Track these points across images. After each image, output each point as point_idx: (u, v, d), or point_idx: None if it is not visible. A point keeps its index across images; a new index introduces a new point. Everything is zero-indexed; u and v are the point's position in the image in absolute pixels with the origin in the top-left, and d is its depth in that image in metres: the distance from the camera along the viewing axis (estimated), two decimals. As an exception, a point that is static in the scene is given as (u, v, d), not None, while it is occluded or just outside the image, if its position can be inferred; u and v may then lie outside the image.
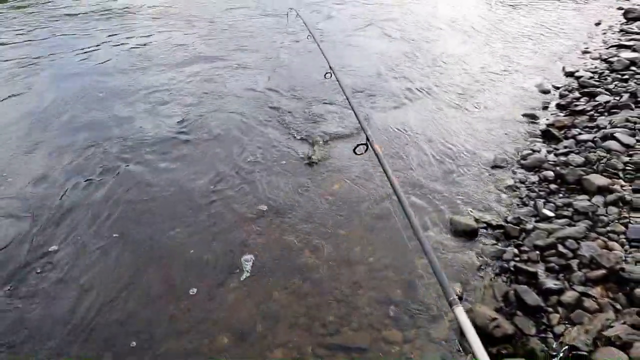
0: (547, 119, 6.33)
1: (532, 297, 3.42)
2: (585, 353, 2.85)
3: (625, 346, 2.82)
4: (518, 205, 4.74)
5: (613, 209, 4.26)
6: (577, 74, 7.47)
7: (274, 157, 5.64)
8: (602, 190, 4.51)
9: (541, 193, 4.84)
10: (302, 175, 5.27)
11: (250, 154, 5.69)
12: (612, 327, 2.95)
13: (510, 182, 5.08)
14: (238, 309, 3.69)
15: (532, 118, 6.39)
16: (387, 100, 7.03)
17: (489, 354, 3.15)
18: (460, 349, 3.30)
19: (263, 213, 4.68)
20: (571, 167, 5.01)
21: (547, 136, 5.93)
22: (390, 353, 3.31)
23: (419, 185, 5.06)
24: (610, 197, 4.37)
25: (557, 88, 7.22)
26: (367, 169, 5.31)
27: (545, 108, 6.70)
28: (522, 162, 5.44)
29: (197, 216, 4.66)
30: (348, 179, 5.21)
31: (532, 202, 4.72)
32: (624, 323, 2.96)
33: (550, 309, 3.38)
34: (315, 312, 3.66)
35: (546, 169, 5.16)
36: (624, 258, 3.65)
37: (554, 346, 2.96)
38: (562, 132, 5.92)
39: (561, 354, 2.86)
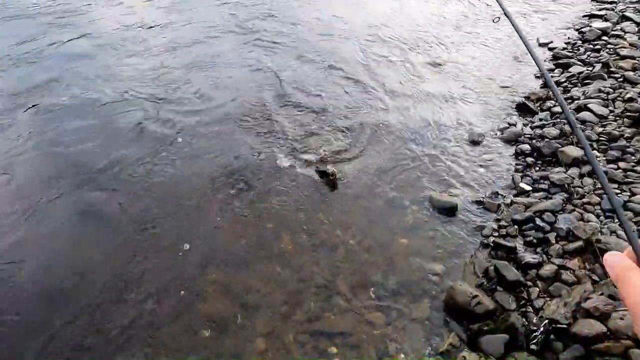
0: (522, 92, 6.31)
1: (511, 272, 3.43)
2: (564, 326, 2.87)
3: (602, 317, 2.85)
4: (496, 179, 4.74)
5: (588, 181, 4.29)
6: (551, 45, 7.45)
7: (239, 136, 5.46)
8: (577, 162, 4.54)
9: (518, 167, 4.84)
10: (279, 161, 5.13)
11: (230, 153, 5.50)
12: (590, 298, 2.97)
13: (488, 156, 5.06)
14: (217, 302, 3.59)
15: (508, 91, 6.35)
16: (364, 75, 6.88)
17: (469, 329, 3.21)
18: (443, 325, 3.32)
19: (236, 196, 4.55)
20: (547, 139, 5.01)
21: (523, 109, 5.91)
22: (373, 336, 3.29)
23: (399, 163, 4.99)
24: (585, 169, 4.40)
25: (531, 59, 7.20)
26: (340, 150, 5.21)
27: (520, 80, 6.67)
28: (499, 136, 5.42)
29: (165, 203, 4.48)
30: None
31: (509, 176, 4.72)
32: (601, 294, 2.99)
33: (529, 283, 3.40)
34: (296, 299, 3.59)
35: (523, 142, 5.16)
36: (599, 229, 3.68)
37: (534, 320, 2.98)
38: (538, 104, 5.91)
39: (541, 328, 2.88)
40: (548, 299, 3.22)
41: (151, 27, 8.34)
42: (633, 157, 4.45)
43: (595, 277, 3.26)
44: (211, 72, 6.84)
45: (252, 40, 7.82)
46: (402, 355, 3.11)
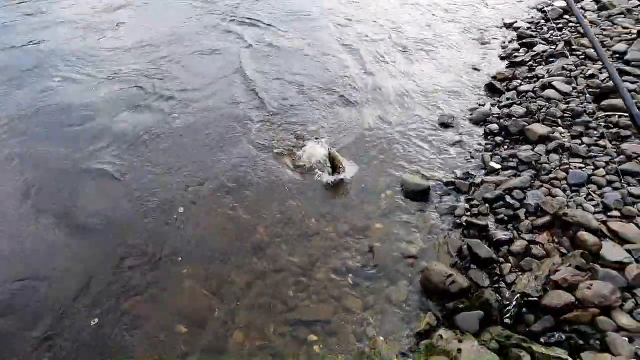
0: (490, 73, 6.39)
1: (484, 250, 3.49)
2: (535, 299, 2.95)
3: (571, 288, 2.94)
4: (467, 160, 4.81)
5: (554, 157, 4.39)
6: (515, 25, 7.56)
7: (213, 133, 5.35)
8: (544, 139, 4.64)
9: (488, 146, 4.92)
10: (249, 151, 5.05)
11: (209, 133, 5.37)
12: (559, 271, 3.06)
13: (458, 137, 5.12)
14: (193, 297, 3.54)
15: (476, 73, 6.43)
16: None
17: (445, 308, 3.27)
18: (420, 306, 3.36)
19: (207, 190, 4.46)
20: (514, 118, 5.10)
21: (490, 89, 6.00)
22: (352, 321, 3.30)
23: (372, 148, 4.99)
24: (552, 145, 4.50)
25: (497, 40, 7.30)
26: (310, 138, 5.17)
27: (487, 61, 6.75)
28: (469, 117, 5.49)
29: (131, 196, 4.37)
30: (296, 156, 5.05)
31: (479, 156, 4.80)
32: (570, 266, 3.08)
33: (501, 260, 3.47)
34: (274, 289, 3.57)
35: (491, 122, 5.24)
36: (566, 203, 3.79)
37: (507, 295, 3.05)
38: (505, 84, 6.01)
39: (514, 302, 2.95)
40: (520, 273, 3.31)
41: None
42: (596, 132, 4.58)
43: (564, 250, 3.36)
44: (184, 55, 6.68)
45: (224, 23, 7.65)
46: (381, 338, 3.14)
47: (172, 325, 3.36)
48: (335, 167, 4.58)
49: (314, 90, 6.02)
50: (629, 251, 3.15)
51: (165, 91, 6.03)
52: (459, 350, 2.74)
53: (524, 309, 2.99)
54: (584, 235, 3.29)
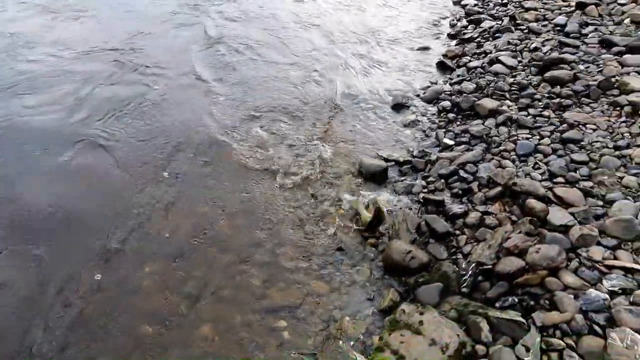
0: (440, 51, 6.52)
1: (440, 224, 3.61)
2: (490, 266, 3.09)
3: (521, 253, 3.10)
4: (422, 138, 4.92)
5: (503, 129, 4.57)
6: (463, 2, 7.72)
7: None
8: (493, 113, 4.81)
9: (441, 123, 5.05)
10: (204, 142, 4.95)
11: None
12: (510, 238, 3.21)
13: (413, 117, 5.22)
14: (156, 295, 3.47)
15: (427, 52, 6.54)
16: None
17: (407, 284, 3.38)
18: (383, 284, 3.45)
19: (164, 183, 4.35)
20: (465, 94, 5.25)
21: (441, 67, 6.13)
22: (319, 305, 3.35)
23: (328, 132, 5.01)
24: (500, 118, 4.67)
25: (447, 18, 7.44)
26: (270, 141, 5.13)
27: (438, 40, 6.88)
28: (422, 95, 5.60)
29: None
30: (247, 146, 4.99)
31: (434, 134, 4.92)
32: (520, 232, 3.24)
33: (457, 232, 3.61)
34: (239, 280, 3.56)
35: (443, 100, 5.37)
36: (515, 173, 3.96)
37: (463, 266, 3.18)
38: (455, 61, 6.16)
39: (470, 272, 3.08)
40: (475, 244, 3.45)
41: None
42: (540, 103, 4.79)
43: (514, 218, 3.52)
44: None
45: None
46: (347, 319, 3.21)
47: (135, 327, 3.29)
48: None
49: (267, 80, 5.94)
50: (572, 214, 3.34)
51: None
52: (421, 322, 2.84)
53: (480, 277, 3.13)
54: (532, 202, 3.45)
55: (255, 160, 4.66)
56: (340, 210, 4.14)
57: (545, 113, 4.62)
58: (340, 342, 3.01)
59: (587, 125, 4.29)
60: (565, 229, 3.23)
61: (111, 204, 4.15)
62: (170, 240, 3.86)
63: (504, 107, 4.81)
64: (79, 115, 5.22)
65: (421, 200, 4.06)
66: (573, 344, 2.55)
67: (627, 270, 2.84)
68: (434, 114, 5.24)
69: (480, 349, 2.68)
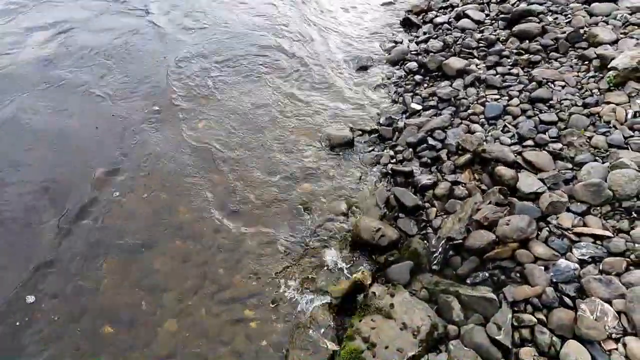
0: (405, 7, 6.16)
1: (409, 198, 3.47)
2: (460, 241, 2.99)
3: (491, 225, 3.00)
4: (389, 104, 4.69)
5: (472, 90, 4.38)
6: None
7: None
8: (461, 73, 4.60)
9: (408, 87, 4.82)
10: (155, 124, 4.58)
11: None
12: (480, 209, 3.11)
13: (378, 81, 4.96)
14: (116, 292, 3.25)
15: (391, 8, 6.17)
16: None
17: (377, 263, 3.26)
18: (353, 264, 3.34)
19: (115, 173, 4.03)
20: (432, 54, 5.00)
21: (406, 24, 5.81)
22: (287, 291, 3.21)
23: (289, 103, 4.71)
24: (468, 79, 4.47)
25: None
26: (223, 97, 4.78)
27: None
28: (387, 57, 5.31)
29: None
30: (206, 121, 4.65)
31: (400, 98, 4.70)
32: (490, 203, 3.14)
33: (427, 205, 3.48)
34: (203, 269, 3.37)
35: (410, 60, 5.10)
36: (484, 138, 3.82)
37: (433, 242, 3.07)
38: (420, 17, 5.83)
39: (440, 249, 2.98)
40: (445, 216, 3.34)
41: None
42: (509, 60, 4.60)
43: (484, 187, 3.42)
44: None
45: None
46: (317, 304, 3.08)
47: (96, 328, 3.10)
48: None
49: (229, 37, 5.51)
50: (542, 180, 3.25)
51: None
52: (392, 305, 2.75)
53: (450, 253, 3.04)
54: (501, 170, 3.34)
55: (204, 136, 4.35)
56: (305, 185, 3.94)
57: (514, 71, 4.44)
58: (310, 330, 2.91)
59: (556, 82, 4.14)
60: (535, 197, 3.15)
61: (60, 198, 3.83)
62: (127, 232, 3.60)
63: (472, 67, 4.60)
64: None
65: (390, 171, 3.89)
66: (544, 318, 2.51)
67: (597, 238, 2.79)
68: (400, 77, 4.99)
69: (452, 329, 2.62)
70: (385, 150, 4.13)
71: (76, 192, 3.85)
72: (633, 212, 2.87)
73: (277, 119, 4.53)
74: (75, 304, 3.19)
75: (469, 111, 4.15)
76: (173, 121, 4.55)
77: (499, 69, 4.50)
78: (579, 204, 3.04)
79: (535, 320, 2.49)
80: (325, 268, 3.34)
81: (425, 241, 3.22)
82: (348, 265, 3.30)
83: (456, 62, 4.67)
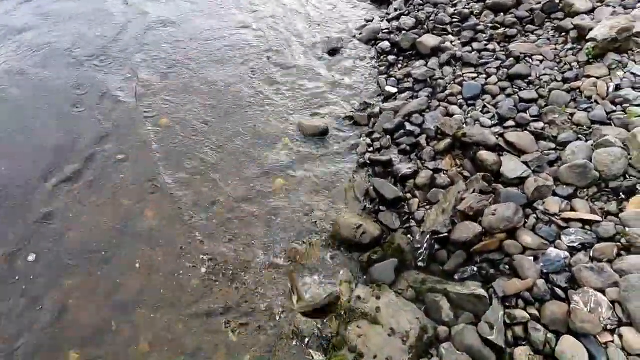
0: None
1: (389, 190, 3.29)
2: (445, 234, 2.84)
3: (477, 215, 2.86)
4: (363, 88, 4.46)
5: (448, 70, 4.19)
6: None
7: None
8: (436, 51, 4.38)
9: (382, 68, 4.58)
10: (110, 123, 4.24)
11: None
12: (464, 199, 2.96)
13: (350, 63, 4.70)
14: (83, 312, 2.99)
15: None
16: None
17: (360, 262, 3.08)
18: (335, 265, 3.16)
19: (74, 180, 3.70)
20: (404, 32, 4.75)
21: (377, 0, 5.53)
22: (266, 298, 3.02)
23: (257, 91, 4.42)
24: (444, 57, 4.27)
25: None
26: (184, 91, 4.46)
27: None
28: (358, 37, 5.04)
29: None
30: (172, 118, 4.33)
31: (375, 81, 4.47)
32: (474, 191, 2.99)
33: (409, 196, 3.31)
34: (176, 280, 3.13)
35: (382, 40, 4.85)
36: (464, 120, 3.66)
37: (417, 237, 2.91)
38: (391, -8, 5.55)
39: (425, 245, 2.83)
40: (427, 207, 3.18)
41: None
42: (484, 36, 4.40)
43: (467, 173, 3.26)
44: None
45: None
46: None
47: (61, 355, 2.86)
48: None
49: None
50: (526, 163, 3.11)
51: None
52: (378, 309, 2.60)
53: (436, 247, 2.90)
54: (483, 154, 3.18)
55: (171, 130, 4.06)
56: (279, 180, 3.71)
57: (490, 46, 4.26)
58: (294, 341, 2.74)
59: (534, 57, 3.98)
60: (520, 182, 3.02)
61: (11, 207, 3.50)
62: (91, 244, 3.31)
63: (447, 44, 4.39)
64: None
65: (367, 161, 3.69)
66: (537, 313, 2.40)
67: (585, 222, 2.68)
68: (373, 58, 4.74)
69: (443, 330, 2.49)
70: (361, 139, 3.92)
71: (25, 203, 3.53)
72: (621, 193, 2.77)
73: (246, 108, 4.26)
74: (38, 329, 2.93)
75: (447, 92, 3.96)
76: (135, 110, 4.23)
77: (475, 45, 4.31)
78: (564, 186, 2.92)
79: (528, 316, 2.37)
80: (306, 270, 3.15)
81: (409, 235, 3.06)
82: (328, 272, 3.09)
83: (430, 40, 4.45)
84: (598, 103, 3.40)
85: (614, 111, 3.29)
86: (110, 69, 4.75)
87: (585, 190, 2.88)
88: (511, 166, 3.10)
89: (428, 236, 2.85)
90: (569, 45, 3.97)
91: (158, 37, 5.11)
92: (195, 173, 3.75)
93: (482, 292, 2.52)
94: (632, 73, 3.49)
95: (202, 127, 4.10)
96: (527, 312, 2.40)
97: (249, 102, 4.32)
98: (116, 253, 3.29)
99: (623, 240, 2.53)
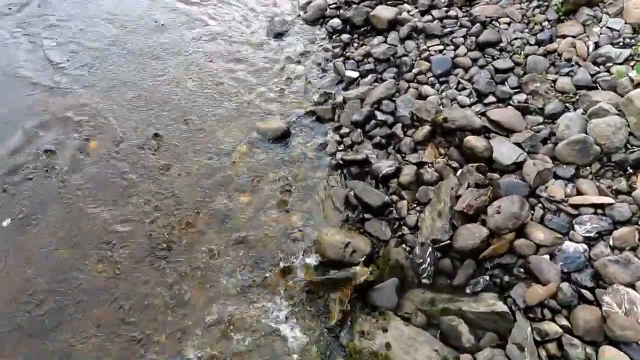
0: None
1: (374, 197, 2.86)
2: (447, 241, 2.49)
3: (479, 212, 2.52)
4: (319, 76, 3.94)
5: (410, 44, 3.76)
6: None
7: None
8: (393, 24, 3.93)
9: (336, 50, 4.06)
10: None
11: None
12: (459, 196, 2.60)
13: (300, 48, 4.15)
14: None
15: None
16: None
17: (356, 288, 2.65)
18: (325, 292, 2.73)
19: None
20: (354, 5, 4.24)
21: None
22: (248, 337, 2.57)
23: (202, 100, 3.80)
24: (404, 31, 3.82)
25: None
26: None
27: None
28: (304, 16, 4.48)
29: None
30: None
31: (331, 66, 3.96)
32: (468, 186, 2.64)
33: (395, 197, 2.91)
34: (136, 335, 2.60)
35: (331, 17, 4.31)
36: (440, 102, 3.27)
37: (417, 252, 2.52)
38: (331, -40, 4.98)
39: (428, 259, 2.46)
40: (419, 209, 2.81)
41: None
42: (442, 1, 3.99)
43: (455, 164, 2.90)
44: None
45: None
46: (295, 357, 2.48)
47: None
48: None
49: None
50: (518, 144, 2.79)
51: None
52: (388, 346, 2.22)
53: (438, 254, 2.54)
54: (471, 141, 2.83)
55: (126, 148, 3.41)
56: (242, 198, 3.20)
57: (452, 12, 3.86)
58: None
59: (501, 20, 3.64)
60: (516, 167, 2.70)
61: None
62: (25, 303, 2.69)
63: (404, 15, 3.94)
64: None
65: (340, 161, 3.24)
66: (568, 323, 2.11)
67: (597, 207, 2.41)
68: (324, 39, 4.22)
69: (467, 359, 2.15)
70: (329, 136, 3.45)
71: None
72: (628, 167, 2.51)
73: (194, 112, 3.66)
74: None
75: (414, 70, 3.55)
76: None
77: (435, 12, 3.90)
78: (565, 166, 2.64)
79: (560, 329, 2.08)
80: (290, 300, 2.68)
81: (404, 245, 2.68)
82: (319, 295, 2.68)
83: (385, 12, 3.99)
84: (579, 65, 3.12)
85: (598, 72, 3.03)
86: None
87: (588, 168, 2.60)
88: (503, 150, 2.77)
89: (430, 248, 2.48)
90: (535, 3, 3.65)
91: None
92: (144, 202, 3.15)
93: (503, 307, 2.20)
94: (608, 28, 3.23)
95: (145, 153, 3.45)
96: (557, 324, 2.11)
97: (198, 104, 3.72)
98: (60, 314, 2.70)
99: (641, 222, 2.29)
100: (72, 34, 4.47)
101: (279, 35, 4.26)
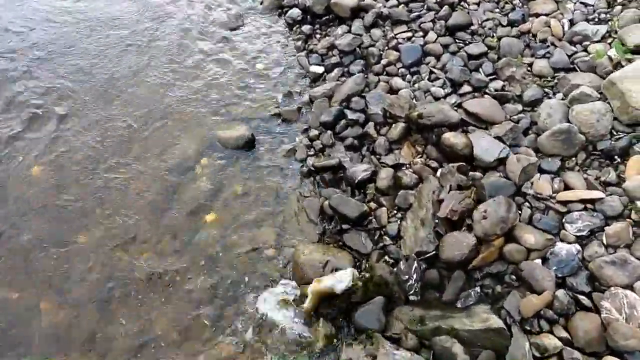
0: None
1: (351, 207, 2.65)
2: (433, 252, 2.31)
3: (464, 216, 2.35)
4: (280, 74, 3.65)
5: (377, 32, 3.51)
6: None
7: None
8: (357, 12, 3.66)
9: (298, 43, 3.79)
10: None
11: None
12: (442, 201, 2.42)
13: (259, 44, 3.84)
14: None
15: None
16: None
17: (339, 308, 2.45)
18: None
19: None
20: (313, -8, 3.94)
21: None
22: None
23: (145, 104, 3.47)
24: (368, 18, 3.57)
25: None
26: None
27: None
28: (261, 7, 4.15)
29: None
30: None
31: (294, 61, 3.68)
32: (450, 188, 2.45)
33: (373, 205, 2.71)
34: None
35: (290, 7, 4.00)
36: (412, 95, 3.06)
37: (402, 268, 2.32)
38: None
39: (414, 275, 2.27)
40: (399, 215, 2.61)
41: None
42: (408, -17, 3.74)
43: (434, 164, 2.71)
44: None
45: None
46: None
47: None
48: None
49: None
50: (499, 138, 2.61)
51: None
52: (379, 376, 2.04)
53: (424, 266, 2.35)
54: (450, 138, 2.64)
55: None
56: (209, 217, 2.94)
57: (418, -5, 3.62)
58: None
59: (469, 0, 3.43)
60: (499, 163, 2.53)
61: None
62: None
63: (368, 0, 3.67)
64: None
65: (311, 168, 3.00)
66: (567, 334, 1.98)
67: (586, 202, 2.26)
68: (284, 32, 3.92)
69: (464, 383, 2.00)
70: (297, 140, 3.20)
71: None
72: (615, 156, 2.37)
73: (142, 127, 3.33)
74: None
75: (383, 61, 3.32)
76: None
77: (401, -5, 3.65)
78: (550, 159, 2.48)
79: (560, 343, 1.94)
80: (269, 326, 2.47)
81: (387, 256, 2.49)
82: (300, 318, 2.47)
83: (347, -1, 3.71)
84: (555, 46, 2.96)
85: (575, 53, 2.87)
86: None
87: (573, 159, 2.45)
88: (484, 145, 2.59)
89: (415, 263, 2.29)
90: (503, -21, 3.45)
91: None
92: (99, 230, 2.84)
93: (498, 322, 2.04)
94: (582, 3, 3.06)
95: (96, 157, 3.12)
96: (556, 336, 1.97)
97: (148, 112, 3.39)
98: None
99: (633, 215, 2.16)
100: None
101: (233, 30, 3.93)
